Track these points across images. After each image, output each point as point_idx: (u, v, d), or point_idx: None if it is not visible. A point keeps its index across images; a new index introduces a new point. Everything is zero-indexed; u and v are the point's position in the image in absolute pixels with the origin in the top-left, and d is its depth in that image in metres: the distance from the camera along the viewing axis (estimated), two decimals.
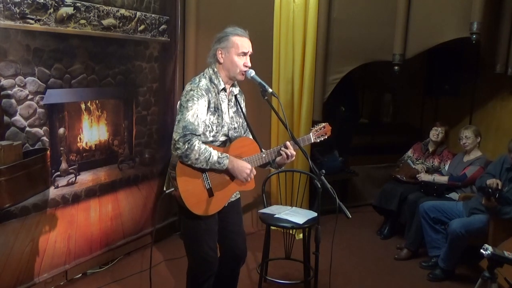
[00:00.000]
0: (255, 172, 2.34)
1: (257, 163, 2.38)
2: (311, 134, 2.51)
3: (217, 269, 2.45)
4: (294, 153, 2.39)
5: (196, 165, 2.21)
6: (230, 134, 2.40)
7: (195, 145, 2.16)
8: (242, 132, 2.51)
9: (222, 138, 2.37)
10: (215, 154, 2.22)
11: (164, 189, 2.44)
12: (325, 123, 2.56)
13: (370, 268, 3.75)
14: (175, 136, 2.18)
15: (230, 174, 2.34)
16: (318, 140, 2.54)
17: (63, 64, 2.93)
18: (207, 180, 2.29)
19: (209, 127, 2.32)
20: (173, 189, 2.27)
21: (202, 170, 2.27)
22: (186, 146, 2.15)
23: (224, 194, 2.36)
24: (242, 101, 2.53)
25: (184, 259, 3.60)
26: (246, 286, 3.35)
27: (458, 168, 4.06)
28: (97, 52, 3.16)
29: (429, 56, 5.08)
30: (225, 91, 2.39)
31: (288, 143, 2.37)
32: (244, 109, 2.53)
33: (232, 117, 2.42)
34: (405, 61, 4.21)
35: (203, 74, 2.38)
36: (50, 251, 3.02)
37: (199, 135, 2.23)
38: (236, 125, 2.44)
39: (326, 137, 2.57)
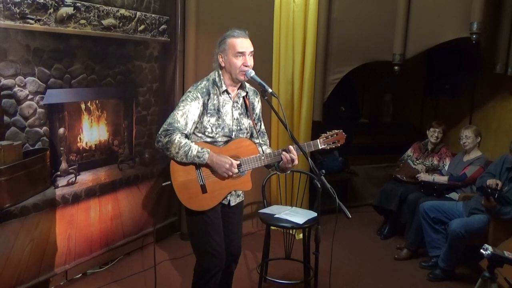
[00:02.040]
0: (236, 171, 2.30)
1: (254, 164, 2.37)
2: (319, 140, 2.42)
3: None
4: (296, 157, 2.32)
5: (177, 159, 2.26)
6: (234, 135, 2.42)
7: (175, 139, 2.22)
8: (254, 133, 2.52)
9: (222, 139, 2.39)
10: (194, 149, 2.25)
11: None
12: (338, 130, 2.45)
13: (370, 268, 3.75)
14: (160, 130, 2.28)
15: None
16: (328, 147, 2.43)
17: (63, 64, 2.93)
18: (201, 176, 2.32)
19: (207, 128, 2.35)
20: (169, 182, 2.31)
21: (197, 166, 2.31)
22: (166, 140, 2.23)
23: (218, 192, 2.37)
24: (256, 103, 2.52)
25: (184, 259, 3.62)
26: (246, 286, 3.35)
27: (458, 168, 4.06)
28: (97, 52, 3.16)
29: (429, 56, 5.08)
30: (228, 93, 2.40)
31: (290, 147, 2.33)
32: (256, 110, 2.52)
33: (236, 119, 2.43)
34: (405, 61, 4.21)
35: (208, 77, 2.43)
36: (50, 251, 3.02)
37: (184, 133, 2.28)
38: (243, 127, 2.45)
39: (339, 145, 2.45)
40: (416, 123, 5.75)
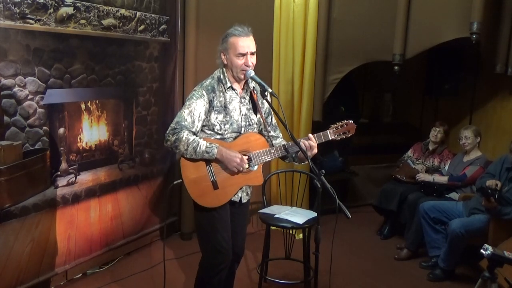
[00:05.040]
0: (246, 166, 2.32)
1: (264, 158, 2.37)
2: (329, 131, 2.41)
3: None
4: (315, 145, 2.32)
5: (186, 156, 2.28)
6: (243, 131, 2.42)
7: (183, 136, 2.24)
8: (266, 127, 2.51)
9: (231, 135, 2.39)
10: (203, 144, 2.26)
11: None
12: (348, 121, 2.45)
13: (370, 268, 3.75)
14: (168, 129, 2.29)
15: None
16: (339, 138, 2.42)
17: (63, 64, 2.93)
18: (212, 172, 2.33)
19: (216, 125, 2.36)
20: (180, 181, 2.33)
21: (207, 163, 2.32)
22: (174, 138, 2.25)
23: (229, 187, 2.38)
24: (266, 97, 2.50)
25: (184, 259, 3.61)
26: (246, 286, 3.35)
27: (458, 168, 4.06)
28: (97, 52, 3.16)
29: (429, 56, 5.08)
30: (233, 89, 2.41)
31: (310, 135, 2.34)
32: (265, 104, 2.50)
33: (245, 115, 2.43)
34: (405, 61, 4.21)
35: (213, 75, 2.44)
36: (50, 251, 3.02)
37: (192, 131, 2.29)
38: (252, 122, 2.46)
39: (349, 135, 2.44)
40: (416, 123, 5.75)
